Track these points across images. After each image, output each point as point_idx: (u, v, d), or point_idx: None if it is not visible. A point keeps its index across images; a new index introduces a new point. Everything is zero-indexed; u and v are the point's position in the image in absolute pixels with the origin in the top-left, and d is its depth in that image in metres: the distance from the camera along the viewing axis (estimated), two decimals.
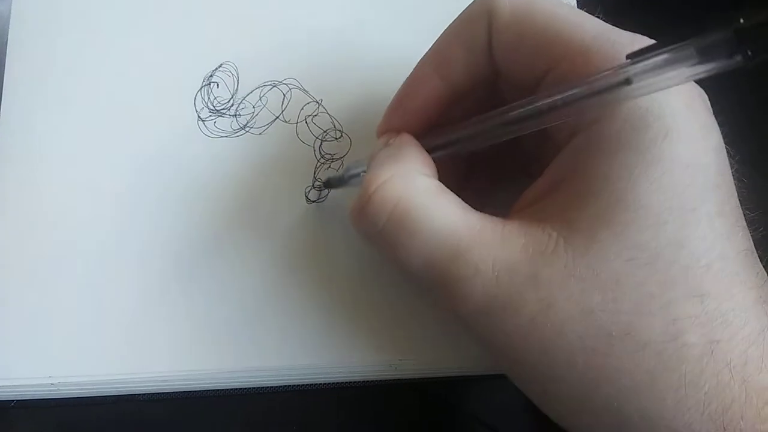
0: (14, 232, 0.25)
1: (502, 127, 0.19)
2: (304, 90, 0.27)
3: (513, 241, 0.17)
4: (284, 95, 0.27)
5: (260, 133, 0.27)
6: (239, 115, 0.27)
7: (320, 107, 0.27)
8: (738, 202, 0.18)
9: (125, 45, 0.27)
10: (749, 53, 0.13)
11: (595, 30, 0.18)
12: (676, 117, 0.17)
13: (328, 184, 0.25)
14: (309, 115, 0.27)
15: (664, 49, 0.15)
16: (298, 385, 0.25)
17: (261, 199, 0.26)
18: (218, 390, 0.25)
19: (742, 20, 0.13)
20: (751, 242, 0.18)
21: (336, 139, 0.27)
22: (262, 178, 0.26)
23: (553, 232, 0.17)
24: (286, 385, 0.25)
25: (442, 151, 0.21)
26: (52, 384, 0.24)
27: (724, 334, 0.16)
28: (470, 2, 0.20)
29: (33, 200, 0.25)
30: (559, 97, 0.17)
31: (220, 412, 0.26)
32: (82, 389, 0.24)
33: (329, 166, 0.27)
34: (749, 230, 0.18)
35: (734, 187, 0.18)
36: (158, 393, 0.25)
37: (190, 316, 0.25)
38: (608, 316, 0.16)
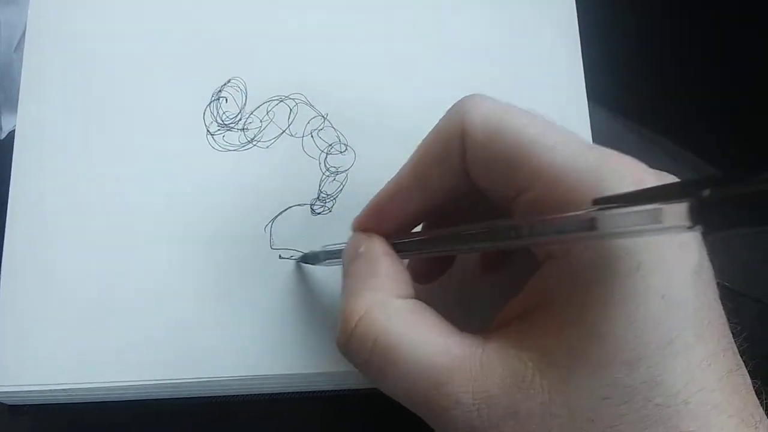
0: (28, 239, 0.26)
1: (471, 242, 0.19)
2: (311, 104, 0.28)
3: (492, 371, 0.17)
4: (291, 110, 0.28)
5: (267, 147, 0.28)
6: (247, 129, 0.28)
7: (326, 121, 0.28)
8: (722, 316, 0.18)
9: (135, 60, 0.28)
10: (708, 227, 0.13)
11: (567, 154, 0.18)
12: (648, 247, 0.16)
13: (305, 259, 0.26)
14: (315, 129, 0.28)
15: (631, 207, 0.14)
16: (298, 392, 0.26)
17: (268, 212, 0.27)
18: (226, 397, 0.26)
19: (707, 192, 0.13)
20: (737, 355, 0.18)
21: (341, 152, 0.28)
22: (269, 190, 0.27)
23: (529, 363, 0.17)
24: (285, 392, 0.26)
25: (412, 254, 0.21)
26: (64, 390, 0.25)
27: None
28: (445, 113, 0.20)
29: (45, 209, 0.26)
30: (525, 226, 0.17)
31: (227, 418, 0.27)
32: (93, 394, 0.25)
33: (334, 179, 0.27)
34: (735, 340, 0.18)
35: (718, 301, 0.18)
36: (168, 399, 0.26)
37: (201, 325, 0.25)
38: None
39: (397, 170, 0.27)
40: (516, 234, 0.17)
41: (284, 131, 0.28)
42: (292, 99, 0.28)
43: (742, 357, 0.18)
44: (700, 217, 0.13)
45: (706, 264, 0.18)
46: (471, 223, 0.19)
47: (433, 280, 0.24)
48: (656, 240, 0.17)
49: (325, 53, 0.29)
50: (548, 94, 0.30)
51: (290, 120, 0.28)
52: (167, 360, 0.25)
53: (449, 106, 0.28)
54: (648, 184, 0.17)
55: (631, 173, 0.17)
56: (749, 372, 0.18)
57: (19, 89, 0.28)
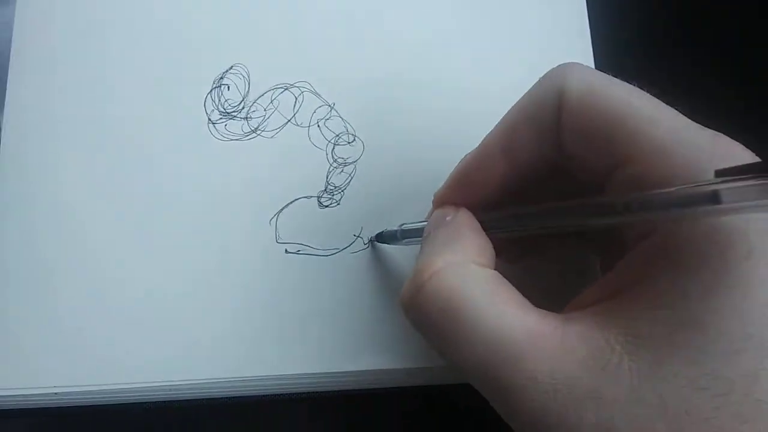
0: (21, 240, 0.24)
1: (569, 218, 0.18)
2: (317, 93, 0.27)
3: (574, 351, 0.16)
4: (296, 98, 0.27)
5: (272, 137, 0.26)
6: (250, 118, 0.26)
7: (333, 111, 0.27)
8: None
9: (134, 47, 0.27)
10: None
11: (674, 128, 0.17)
12: (761, 234, 0.16)
13: (381, 237, 0.25)
14: (321, 119, 0.27)
15: (758, 178, 0.13)
16: (310, 392, 0.25)
17: (274, 204, 0.25)
18: (229, 398, 0.25)
19: None
20: None
21: (349, 143, 0.27)
22: (274, 182, 0.26)
23: (617, 345, 0.16)
24: (299, 392, 0.25)
25: (499, 231, 0.20)
26: (56, 393, 0.23)
27: None
28: (540, 78, 0.19)
29: (40, 206, 0.25)
30: (635, 200, 0.16)
31: (229, 419, 0.25)
32: (85, 398, 0.24)
33: (342, 170, 0.26)
34: None
35: None
36: (163, 401, 0.24)
37: (201, 323, 0.24)
38: None
39: (407, 162, 0.27)
40: (625, 208, 0.16)
41: (289, 120, 0.27)
42: (298, 87, 0.27)
43: None
44: None
45: None
46: (568, 200, 0.17)
47: (514, 263, 0.22)
48: (764, 225, 0.16)
49: (332, 40, 0.28)
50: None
51: (296, 109, 0.27)
52: (165, 361, 0.24)
53: (459, 95, 0.27)
54: None
55: (744, 156, 0.16)
56: None
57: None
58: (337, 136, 0.27)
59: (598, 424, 0.16)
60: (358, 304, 0.25)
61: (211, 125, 0.26)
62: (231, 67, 0.27)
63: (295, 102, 0.27)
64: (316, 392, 0.25)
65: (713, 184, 0.14)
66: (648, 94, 0.18)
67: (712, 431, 0.15)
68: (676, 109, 0.18)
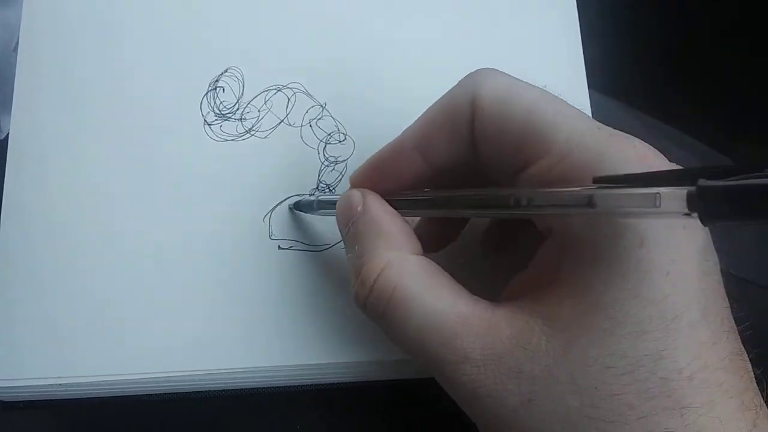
0: (23, 234, 0.25)
1: (464, 207, 0.19)
2: (309, 94, 0.28)
3: (499, 331, 0.18)
4: (289, 99, 0.28)
5: (265, 137, 0.27)
6: (245, 119, 0.27)
7: (324, 110, 0.28)
8: (725, 300, 0.18)
9: (131, 51, 0.28)
10: (703, 215, 0.13)
11: (573, 132, 0.18)
12: (653, 225, 0.17)
13: (298, 205, 0.26)
14: (313, 119, 0.27)
15: (629, 188, 0.15)
16: (300, 385, 0.26)
17: (267, 202, 0.26)
18: (227, 390, 0.25)
19: (700, 182, 0.13)
20: (738, 341, 0.18)
21: (340, 141, 0.27)
22: (268, 180, 0.27)
23: (536, 327, 0.18)
24: (289, 385, 0.25)
25: (407, 212, 0.21)
26: (60, 384, 0.24)
27: None
28: (457, 83, 0.20)
29: (41, 203, 0.26)
30: (523, 196, 0.17)
31: (227, 411, 0.26)
32: (89, 390, 0.25)
33: (333, 168, 0.27)
34: (737, 326, 0.18)
35: (721, 285, 0.18)
36: (166, 393, 0.25)
37: (198, 317, 0.25)
38: (586, 421, 0.16)
39: None
40: (515, 202, 0.17)
41: (282, 120, 0.27)
42: (290, 88, 0.28)
43: (744, 346, 0.18)
44: (697, 205, 0.13)
45: (711, 248, 0.18)
46: (476, 188, 0.19)
47: (437, 250, 0.24)
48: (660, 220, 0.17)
49: (322, 42, 0.28)
50: (549, 81, 0.29)
51: (288, 109, 0.27)
52: (164, 353, 0.24)
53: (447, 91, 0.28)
54: (653, 168, 0.16)
55: (636, 155, 0.17)
56: (750, 361, 0.18)
57: None
58: (329, 135, 0.27)
59: (521, 395, 0.17)
60: (350, 297, 0.25)
61: (207, 126, 0.27)
62: (226, 70, 0.28)
63: (288, 102, 0.28)
64: (312, 384, 0.26)
65: (590, 188, 0.16)
66: (556, 98, 0.19)
67: (621, 406, 0.16)
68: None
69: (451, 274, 0.20)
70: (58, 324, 0.24)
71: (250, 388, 0.26)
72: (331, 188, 0.27)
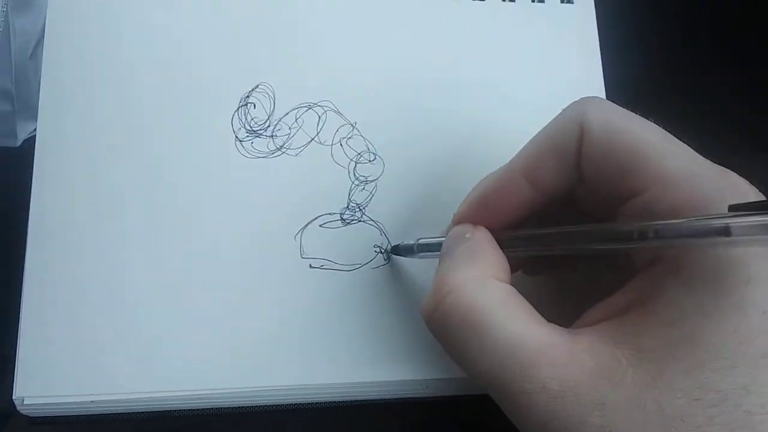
0: (51, 248, 0.25)
1: (585, 242, 0.19)
2: (339, 112, 0.28)
3: (582, 363, 0.18)
4: (319, 117, 0.28)
5: (296, 155, 0.27)
6: (275, 136, 0.27)
7: (354, 130, 0.28)
8: None
9: (160, 66, 0.27)
10: None
11: (685, 163, 0.18)
12: (761, 262, 0.17)
13: (396, 250, 0.26)
14: (344, 138, 0.28)
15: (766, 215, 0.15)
16: (329, 402, 0.26)
17: (298, 220, 0.26)
18: (255, 407, 0.26)
19: None
20: None
21: (370, 161, 0.28)
22: (299, 198, 0.27)
23: (623, 359, 0.17)
24: (316, 402, 0.26)
25: (516, 251, 0.21)
26: (91, 402, 0.24)
27: None
28: (562, 109, 0.20)
29: (68, 219, 0.25)
30: (651, 229, 0.17)
31: (255, 428, 0.26)
32: (118, 406, 0.25)
33: (363, 188, 0.27)
34: None
35: None
36: (191, 410, 0.25)
37: (228, 335, 0.25)
38: None
39: (426, 180, 0.28)
40: (639, 235, 0.17)
41: (313, 139, 0.28)
42: (321, 106, 0.28)
43: None
44: None
45: None
46: (584, 224, 0.19)
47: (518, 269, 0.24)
48: (765, 256, 0.17)
49: (354, 60, 0.29)
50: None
51: (319, 127, 0.28)
52: (194, 370, 0.25)
53: (477, 116, 0.28)
54: None
55: (751, 190, 0.18)
56: None
57: (34, 96, 0.27)
58: (359, 154, 0.28)
59: (602, 427, 0.17)
60: (380, 316, 0.26)
61: (238, 143, 0.27)
62: (257, 86, 0.28)
63: (319, 120, 0.28)
64: (340, 402, 0.26)
65: (725, 217, 0.16)
66: (662, 130, 0.19)
67: None
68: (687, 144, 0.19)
69: (535, 300, 0.20)
70: (87, 340, 0.24)
71: (277, 405, 0.26)
72: (361, 208, 0.27)
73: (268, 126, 0.27)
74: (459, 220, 0.22)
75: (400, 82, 0.29)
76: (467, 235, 0.21)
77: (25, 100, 0.28)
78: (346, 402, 0.26)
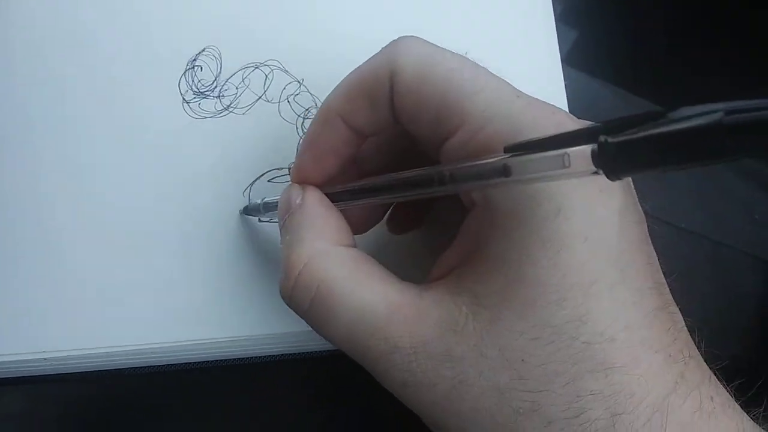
0: (4, 210, 0.26)
1: (395, 191, 0.19)
2: (286, 70, 0.28)
3: (428, 317, 0.18)
4: (266, 76, 0.28)
5: (243, 113, 0.28)
6: (223, 96, 0.28)
7: (302, 86, 0.28)
8: (650, 256, 0.18)
9: (109, 31, 0.28)
10: (607, 170, 0.13)
11: (491, 100, 0.18)
12: (569, 191, 0.17)
13: (247, 210, 0.26)
14: (291, 95, 0.28)
15: (541, 153, 0.14)
16: (278, 355, 0.26)
17: (247, 176, 0.27)
18: (206, 361, 0.26)
19: (603, 138, 0.13)
20: (665, 294, 0.18)
21: None
22: (248, 155, 0.27)
23: (463, 307, 0.17)
24: (267, 355, 0.26)
25: (344, 204, 0.21)
26: (45, 359, 0.24)
27: (627, 406, 0.16)
28: (376, 52, 0.20)
29: (21, 182, 0.26)
30: (446, 173, 0.17)
31: (207, 382, 0.26)
32: (74, 363, 0.25)
33: None
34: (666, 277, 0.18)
35: (644, 242, 0.18)
36: (146, 366, 0.26)
37: (179, 290, 0.25)
38: (515, 394, 0.17)
39: None
40: (439, 179, 0.17)
41: (260, 97, 0.28)
42: (268, 65, 0.28)
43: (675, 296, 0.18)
44: (600, 161, 0.13)
45: (632, 206, 0.18)
46: (400, 171, 0.19)
47: (367, 229, 0.24)
48: (577, 184, 0.17)
49: (299, 19, 0.29)
50: (521, 54, 0.30)
51: (266, 86, 0.28)
52: (149, 324, 0.25)
53: None
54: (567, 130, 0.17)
55: (554, 123, 0.18)
56: (682, 311, 0.18)
57: None
58: (307, 110, 0.28)
59: (453, 378, 0.17)
60: None
61: (185, 104, 0.27)
62: (203, 49, 0.28)
63: (266, 79, 0.28)
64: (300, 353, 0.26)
65: (505, 158, 0.15)
66: (476, 66, 0.19)
67: (548, 375, 0.16)
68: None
69: (383, 260, 0.20)
70: (40, 298, 0.25)
71: (226, 359, 0.26)
72: None
73: (215, 87, 0.28)
74: (295, 173, 0.22)
75: (347, 37, 0.29)
76: (297, 201, 0.21)
77: None
78: (282, 354, 0.26)
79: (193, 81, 0.28)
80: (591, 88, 0.34)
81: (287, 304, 0.20)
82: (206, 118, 0.27)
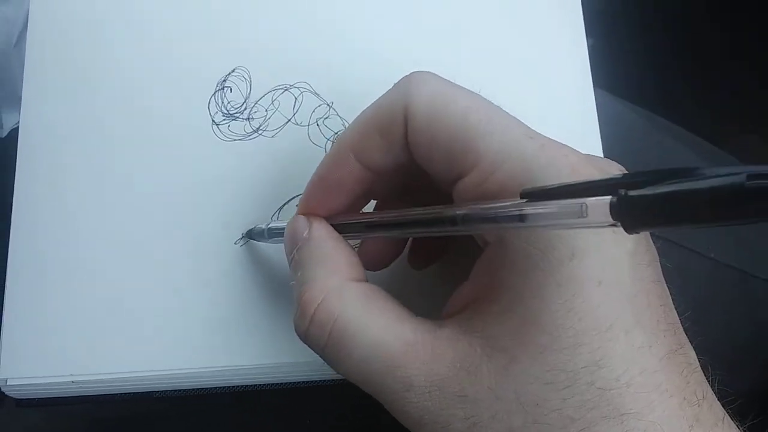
0: (33, 235, 0.26)
1: (405, 228, 0.19)
2: (315, 93, 0.28)
3: (443, 356, 0.18)
4: (296, 98, 0.28)
5: (273, 136, 0.27)
6: (252, 118, 0.28)
7: (331, 110, 0.28)
8: (662, 297, 0.18)
9: (139, 51, 0.28)
10: (626, 224, 0.13)
11: (505, 141, 0.18)
12: (583, 234, 0.17)
13: (251, 234, 0.26)
14: (320, 118, 0.28)
15: (558, 201, 0.14)
16: (306, 382, 0.26)
17: (275, 200, 0.27)
18: (233, 387, 0.26)
19: (623, 191, 0.12)
20: (679, 334, 0.18)
21: None
22: (276, 179, 0.27)
23: (477, 348, 0.17)
24: (295, 381, 0.26)
25: (354, 235, 0.21)
26: (73, 382, 0.24)
27: None
28: (391, 87, 0.20)
29: (51, 203, 0.26)
30: (460, 215, 0.17)
31: (234, 408, 0.26)
32: (101, 387, 0.25)
33: None
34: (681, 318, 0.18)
35: (657, 283, 0.18)
36: (174, 390, 0.25)
37: (209, 315, 0.25)
38: None
39: None
40: (450, 220, 0.17)
41: (289, 120, 0.28)
42: (297, 88, 0.28)
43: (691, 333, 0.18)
44: (618, 214, 0.13)
45: (644, 246, 0.18)
46: (414, 208, 0.19)
47: (383, 267, 0.24)
48: (589, 231, 0.17)
49: (329, 42, 0.29)
50: (554, 80, 0.30)
51: (295, 109, 0.28)
52: (176, 351, 0.25)
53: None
54: (582, 175, 0.17)
55: (568, 165, 0.17)
56: (696, 349, 0.18)
57: (19, 85, 0.28)
58: (336, 134, 0.28)
59: (466, 419, 0.17)
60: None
61: (215, 126, 0.27)
62: (233, 70, 0.28)
63: (295, 102, 0.28)
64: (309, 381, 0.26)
65: (521, 203, 0.15)
66: (490, 105, 0.19)
67: (563, 420, 0.16)
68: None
69: (398, 294, 0.20)
70: (69, 322, 0.25)
71: (262, 384, 0.26)
72: None
73: (245, 109, 0.28)
74: (302, 206, 0.22)
75: (377, 60, 0.29)
76: (305, 234, 0.21)
77: (9, 90, 0.29)
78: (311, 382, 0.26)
79: (222, 102, 0.28)
80: (617, 109, 0.34)
81: (304, 342, 0.20)
82: (235, 140, 0.27)
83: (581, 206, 0.14)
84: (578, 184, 0.14)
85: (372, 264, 0.21)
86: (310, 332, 0.19)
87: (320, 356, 0.20)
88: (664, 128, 0.30)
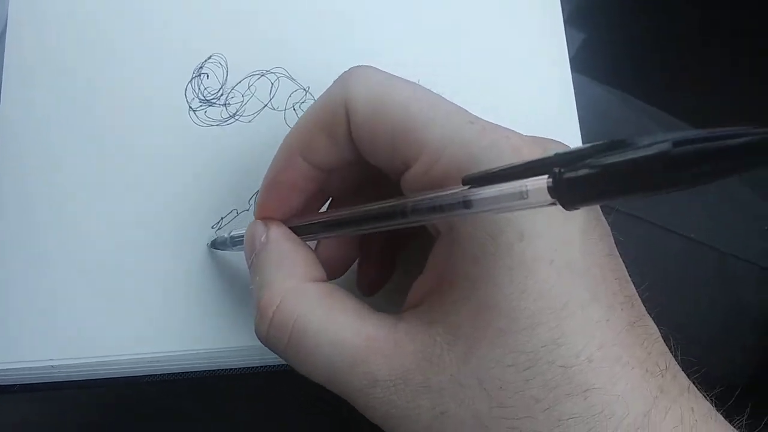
0: (12, 221, 0.26)
1: (358, 225, 0.19)
2: (292, 78, 0.28)
3: (405, 349, 0.18)
4: (272, 84, 0.28)
5: (249, 121, 0.28)
6: (229, 104, 0.28)
7: (308, 94, 0.28)
8: (617, 270, 0.18)
9: (116, 38, 0.28)
10: (564, 202, 0.13)
11: (444, 129, 0.18)
12: (531, 215, 0.17)
13: (214, 244, 0.26)
14: (296, 102, 0.28)
15: (500, 185, 0.14)
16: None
17: (252, 185, 0.27)
18: (217, 370, 0.26)
19: (557, 170, 0.12)
20: (637, 306, 0.18)
21: None
22: (253, 163, 0.27)
23: (438, 338, 0.17)
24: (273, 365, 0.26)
25: (311, 236, 0.21)
26: (53, 366, 0.25)
27: (609, 427, 0.16)
28: (330, 85, 0.20)
29: (30, 190, 0.26)
30: (408, 206, 0.17)
31: (215, 391, 0.27)
32: (81, 371, 0.25)
33: None
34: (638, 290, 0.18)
35: (610, 257, 0.18)
36: (155, 375, 0.26)
37: (189, 300, 0.25)
38: (496, 422, 0.16)
39: None
40: (400, 212, 0.17)
41: (266, 105, 0.28)
42: (274, 73, 0.28)
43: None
44: (555, 194, 0.13)
45: (594, 221, 0.18)
46: (367, 204, 0.18)
47: (340, 275, 0.24)
48: (536, 211, 0.16)
49: (305, 27, 0.29)
50: (531, 65, 0.30)
51: (272, 94, 0.28)
52: (153, 334, 0.25)
53: (430, 81, 0.28)
54: (524, 156, 0.16)
55: (510, 147, 0.17)
56: (666, 326, 0.18)
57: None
58: None
59: (433, 409, 0.17)
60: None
61: (191, 112, 0.27)
62: (210, 57, 0.28)
63: (271, 87, 0.28)
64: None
65: (464, 190, 0.15)
66: (430, 94, 0.19)
67: (527, 401, 0.16)
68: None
69: (358, 292, 0.20)
70: (47, 306, 0.25)
71: (237, 369, 0.26)
72: None
73: (222, 95, 0.28)
74: (259, 209, 0.22)
75: (354, 45, 0.29)
76: (262, 239, 0.21)
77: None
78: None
79: (199, 89, 0.28)
80: (596, 92, 0.34)
81: (265, 345, 0.20)
82: (212, 125, 0.27)
83: (521, 188, 0.14)
84: (519, 165, 0.14)
85: (328, 272, 0.21)
86: (271, 335, 0.19)
87: (283, 358, 0.20)
88: (640, 109, 0.30)
